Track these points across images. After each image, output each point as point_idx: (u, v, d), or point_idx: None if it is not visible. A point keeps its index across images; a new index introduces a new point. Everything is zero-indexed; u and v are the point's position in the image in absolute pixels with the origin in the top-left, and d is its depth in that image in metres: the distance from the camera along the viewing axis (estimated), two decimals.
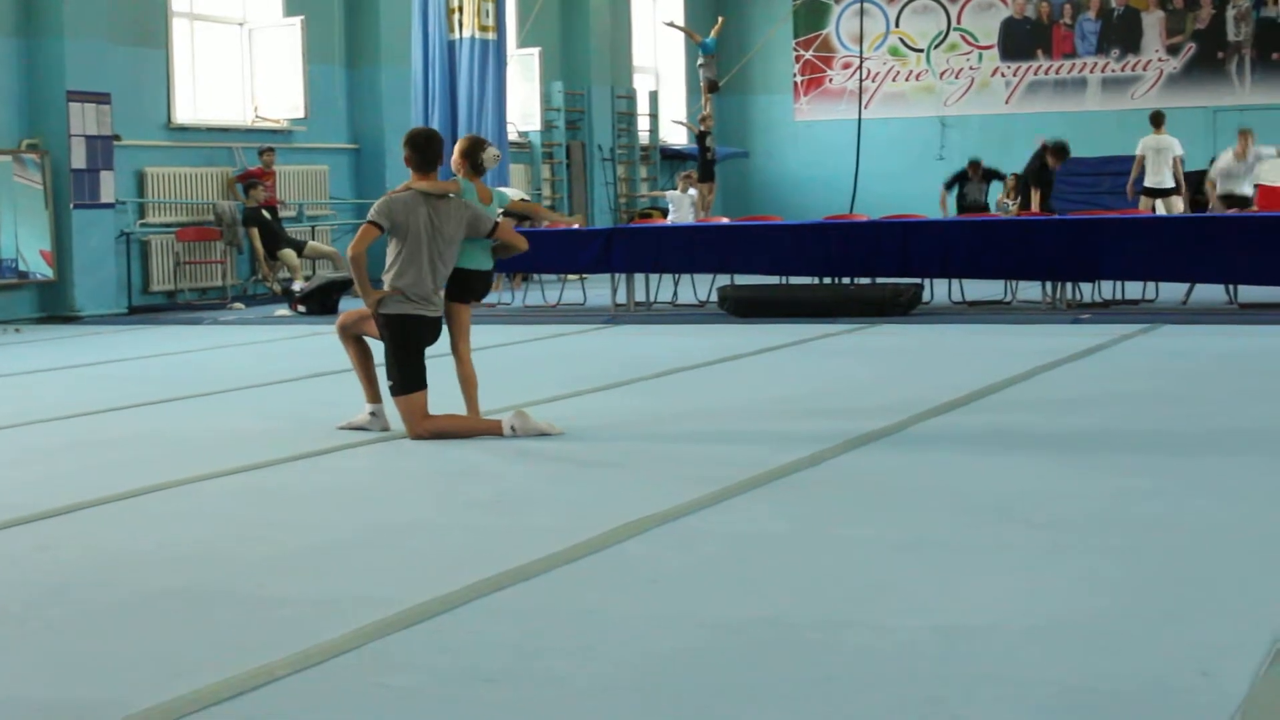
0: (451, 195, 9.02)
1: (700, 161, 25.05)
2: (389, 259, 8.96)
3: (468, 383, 9.29)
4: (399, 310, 8.88)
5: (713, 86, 27.17)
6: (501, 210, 9.68)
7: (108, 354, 13.59)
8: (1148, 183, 21.05)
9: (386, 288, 8.93)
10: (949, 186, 22.66)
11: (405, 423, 8.90)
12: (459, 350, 9.33)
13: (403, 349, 8.90)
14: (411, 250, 8.87)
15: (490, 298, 19.53)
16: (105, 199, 18.65)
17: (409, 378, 8.88)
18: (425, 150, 9.02)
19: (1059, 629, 4.79)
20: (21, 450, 8.94)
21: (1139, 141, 21.25)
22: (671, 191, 23.73)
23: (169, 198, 19.98)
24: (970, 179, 22.51)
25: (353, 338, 9.34)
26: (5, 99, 18.02)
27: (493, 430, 8.83)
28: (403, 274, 8.89)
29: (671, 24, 29.95)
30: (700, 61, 27.68)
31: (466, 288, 9.35)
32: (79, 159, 18.30)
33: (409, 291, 8.87)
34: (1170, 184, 20.74)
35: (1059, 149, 20.97)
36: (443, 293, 9.07)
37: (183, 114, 20.58)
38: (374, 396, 9.28)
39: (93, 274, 18.43)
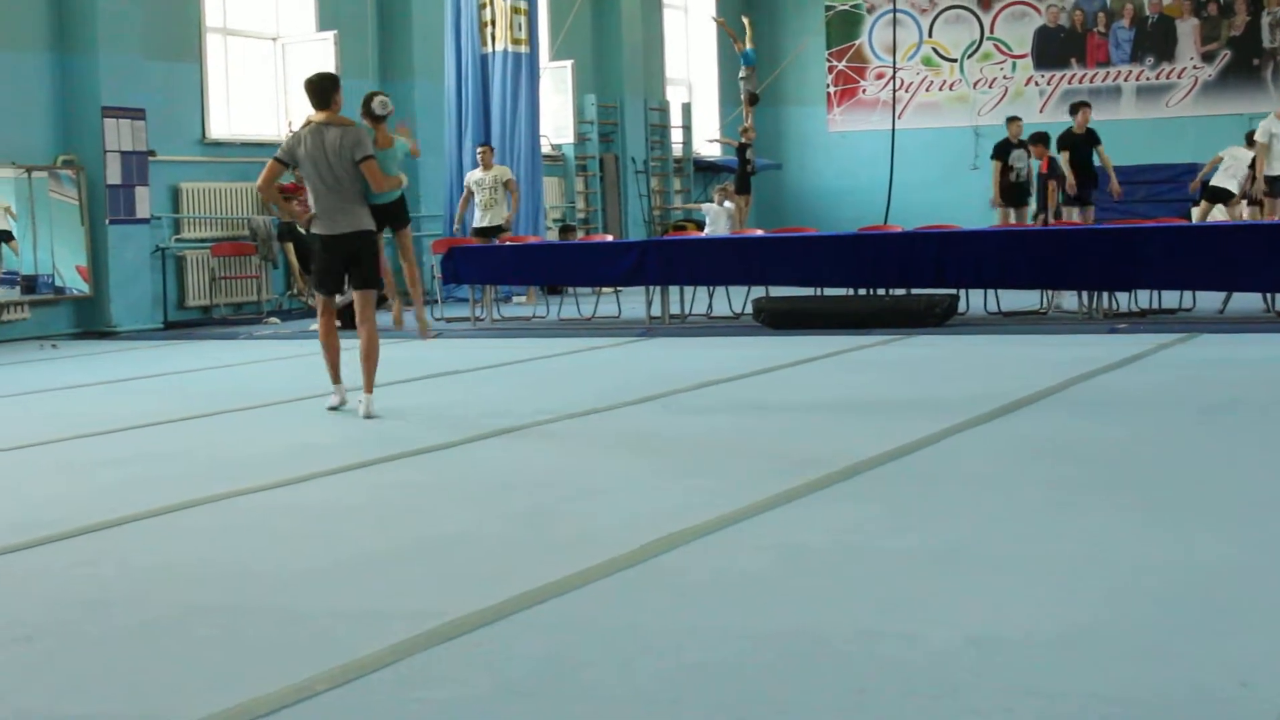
0: (341, 125, 10.32)
1: (739, 174, 25.03)
2: None
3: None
4: (315, 230, 10.47)
5: (753, 99, 27.17)
6: (403, 154, 11.56)
7: (144, 369, 13.64)
8: (1216, 181, 21.00)
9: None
10: (995, 157, 21.46)
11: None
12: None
13: (316, 259, 10.62)
14: (307, 174, 10.38)
15: (525, 310, 19.62)
16: (141, 214, 18.74)
17: (322, 283, 10.65)
18: (314, 91, 10.47)
19: (1095, 639, 4.77)
20: (58, 466, 8.98)
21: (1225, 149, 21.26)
22: (708, 204, 23.76)
23: (204, 213, 20.06)
24: (1012, 144, 21.36)
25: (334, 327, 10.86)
26: (41, 115, 18.12)
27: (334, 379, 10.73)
28: (310, 197, 10.45)
29: (718, 20, 29.91)
30: (742, 74, 27.68)
31: (382, 217, 11.04)
32: (114, 175, 18.39)
33: (315, 211, 10.37)
34: (1235, 189, 20.76)
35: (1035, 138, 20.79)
36: (356, 212, 10.39)
37: (217, 129, 20.67)
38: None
39: (128, 289, 18.51)
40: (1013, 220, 20.81)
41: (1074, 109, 20.88)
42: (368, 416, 10.29)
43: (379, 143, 10.50)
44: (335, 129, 10.35)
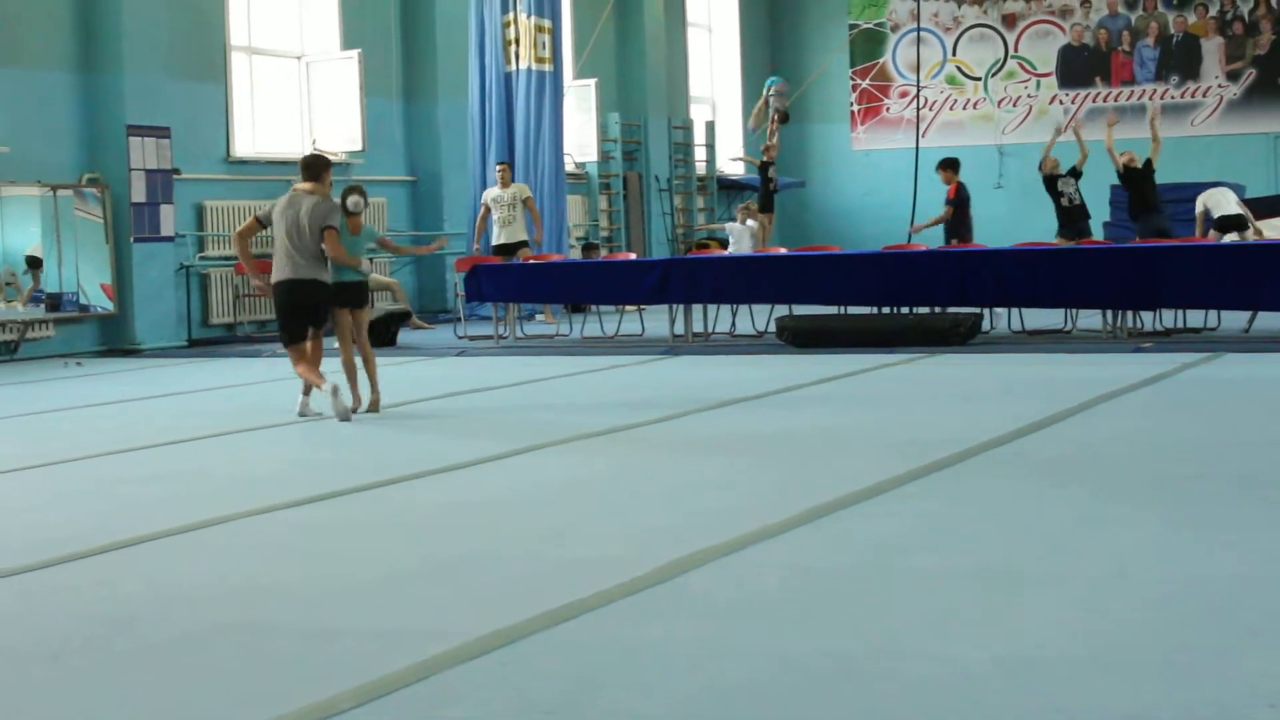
0: (319, 196, 11.63)
1: (761, 192, 24.99)
2: None
3: (347, 367, 11.94)
4: (276, 279, 11.60)
5: (784, 118, 27.10)
6: (372, 243, 12.71)
7: (168, 386, 13.67)
8: (1222, 213, 20.99)
9: None
10: (1048, 191, 21.33)
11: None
12: (344, 344, 11.98)
13: (280, 311, 11.72)
14: (277, 232, 11.56)
15: (548, 328, 19.63)
16: (165, 232, 18.79)
17: (287, 332, 11.64)
18: (307, 167, 11.90)
19: (1122, 659, 4.75)
20: (82, 483, 8.99)
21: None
22: (731, 223, 23.73)
23: (228, 231, 20.08)
24: (1058, 174, 21.20)
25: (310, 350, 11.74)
26: (66, 134, 18.17)
27: (318, 383, 11.39)
28: (275, 256, 11.67)
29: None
30: (774, 89, 27.50)
31: (343, 296, 11.90)
32: (139, 193, 18.44)
33: (276, 264, 11.60)
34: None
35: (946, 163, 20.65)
36: (315, 266, 11.51)
37: (241, 147, 20.72)
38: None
39: (153, 307, 18.55)
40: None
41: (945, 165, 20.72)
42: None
43: (349, 229, 12.01)
44: (313, 198, 11.62)
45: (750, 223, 23.22)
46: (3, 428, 11.85)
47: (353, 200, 12.11)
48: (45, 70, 17.95)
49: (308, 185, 11.72)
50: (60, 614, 5.82)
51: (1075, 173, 20.05)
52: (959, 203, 19.96)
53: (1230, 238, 20.64)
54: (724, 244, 25.23)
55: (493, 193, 21.15)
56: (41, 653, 5.26)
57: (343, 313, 11.99)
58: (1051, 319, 17.02)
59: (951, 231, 19.87)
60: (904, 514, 7.25)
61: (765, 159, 25.20)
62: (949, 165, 20.23)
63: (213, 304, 19.81)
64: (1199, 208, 21.27)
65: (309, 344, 11.69)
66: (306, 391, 11.72)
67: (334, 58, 21.97)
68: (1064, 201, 20.39)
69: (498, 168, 21.45)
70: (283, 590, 6.09)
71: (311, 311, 11.68)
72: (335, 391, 11.28)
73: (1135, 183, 20.16)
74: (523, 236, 21.04)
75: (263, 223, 11.76)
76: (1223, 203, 21.04)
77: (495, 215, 20.97)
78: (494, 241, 20.96)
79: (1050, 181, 20.13)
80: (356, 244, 12.13)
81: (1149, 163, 20.12)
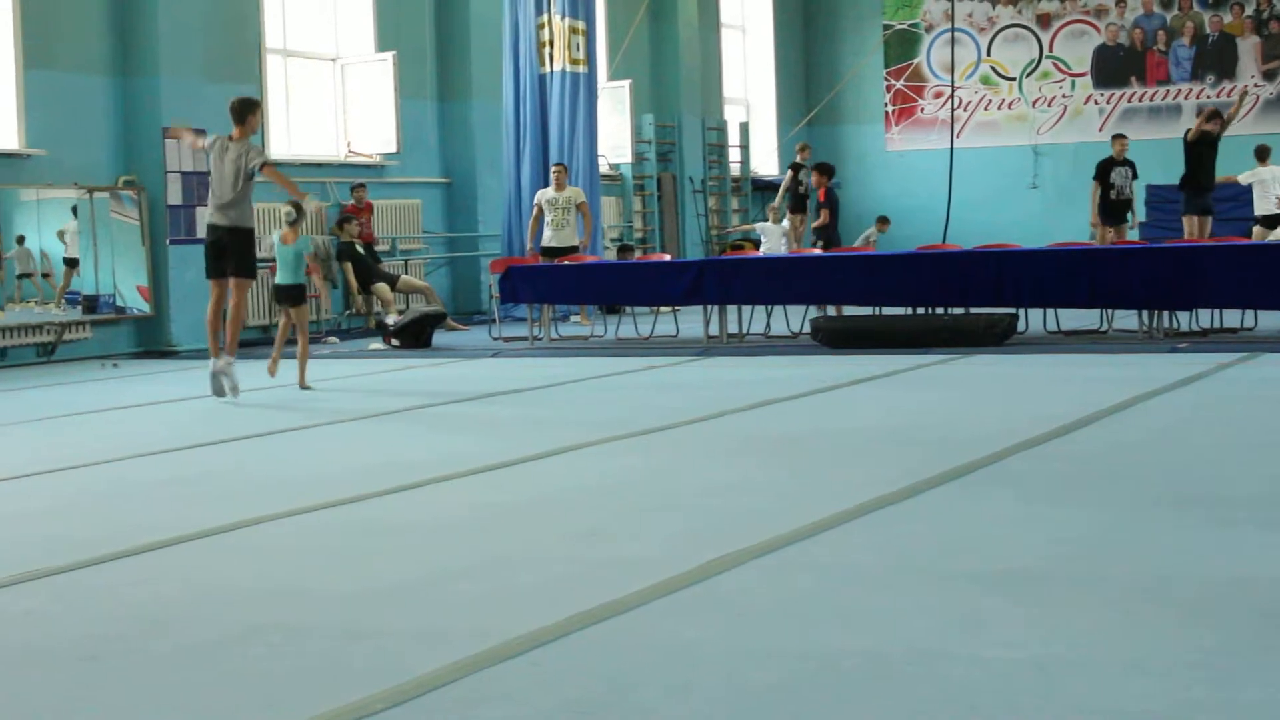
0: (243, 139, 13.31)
1: (791, 194, 24.96)
2: None
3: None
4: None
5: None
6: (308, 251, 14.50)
7: (203, 388, 13.68)
8: (1258, 211, 20.98)
9: None
10: (1097, 177, 21.32)
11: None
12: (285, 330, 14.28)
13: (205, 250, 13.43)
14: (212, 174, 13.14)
15: (582, 330, 19.63)
16: (201, 235, 18.77)
17: (208, 269, 13.33)
18: (234, 112, 13.51)
19: (1160, 662, 4.73)
20: (119, 484, 9.03)
21: (1243, 174, 21.20)
22: (763, 223, 23.73)
23: (263, 233, 20.14)
24: (1116, 162, 21.16)
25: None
26: (102, 136, 18.26)
27: (214, 352, 13.00)
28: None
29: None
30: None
31: (284, 295, 14.10)
32: (175, 195, 18.52)
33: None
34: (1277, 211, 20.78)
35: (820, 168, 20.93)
36: (233, 209, 13.23)
37: (277, 149, 20.79)
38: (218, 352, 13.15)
39: (189, 309, 18.61)
40: (1111, 238, 20.71)
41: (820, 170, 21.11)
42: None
43: (284, 239, 14.02)
44: (241, 142, 13.30)
45: (785, 223, 23.22)
46: (39, 429, 11.91)
47: (286, 212, 14.06)
48: (81, 73, 18.03)
49: (235, 132, 13.34)
50: (97, 615, 5.84)
51: (1131, 165, 20.28)
52: (830, 205, 20.33)
53: (1275, 236, 20.63)
54: (757, 244, 25.22)
55: (547, 194, 21.04)
56: (79, 653, 5.28)
57: (284, 310, 14.11)
58: (1087, 319, 16.97)
59: (821, 235, 20.27)
60: (939, 514, 7.23)
61: (798, 160, 25.12)
62: (822, 170, 20.63)
63: (248, 306, 19.84)
64: (1246, 180, 21.36)
65: (280, 330, 13.89)
66: (215, 353, 13.13)
67: (369, 60, 22.02)
68: (1113, 194, 20.46)
69: (554, 169, 21.31)
70: (319, 591, 6.10)
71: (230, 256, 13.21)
72: (217, 373, 12.94)
73: (1198, 154, 20.28)
74: (574, 241, 20.96)
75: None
76: (1270, 185, 21.07)
77: (549, 217, 20.87)
78: (545, 243, 20.87)
79: (1192, 146, 20.43)
80: (287, 252, 14.00)
81: (1216, 140, 20.33)
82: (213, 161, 13.28)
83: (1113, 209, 20.80)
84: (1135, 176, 21.05)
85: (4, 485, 9.06)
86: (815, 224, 20.57)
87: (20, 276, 17.70)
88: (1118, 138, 21.75)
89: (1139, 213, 25.63)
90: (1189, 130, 20.91)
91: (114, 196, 18.25)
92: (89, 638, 5.49)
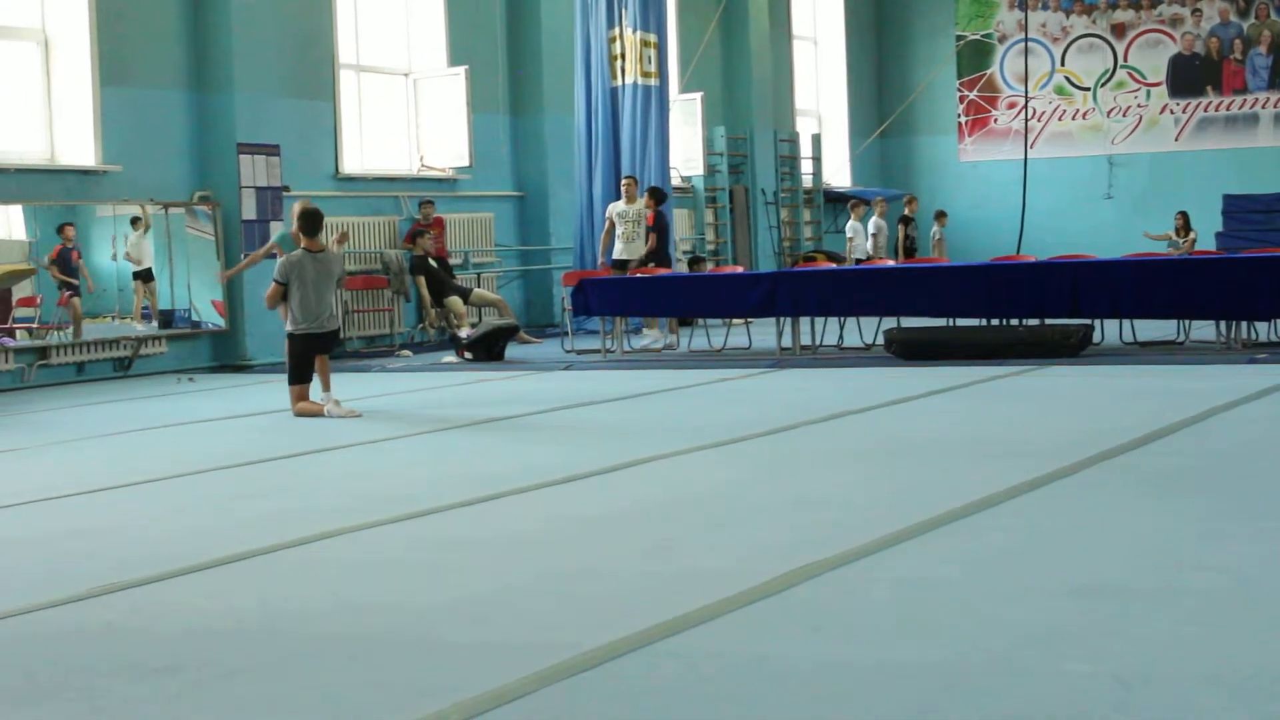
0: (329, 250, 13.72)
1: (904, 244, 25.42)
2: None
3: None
4: (295, 330, 13.39)
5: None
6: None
7: (278, 402, 13.76)
8: None
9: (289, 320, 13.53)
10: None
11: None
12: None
13: (294, 356, 13.37)
14: (301, 289, 13.29)
15: (656, 342, 19.61)
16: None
17: (295, 373, 13.29)
18: (312, 222, 13.69)
19: (1239, 678, 4.67)
20: (194, 498, 9.07)
21: None
22: (851, 222, 23.87)
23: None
24: None
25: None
26: (178, 152, 18.38)
27: (318, 412, 12.95)
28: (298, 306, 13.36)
29: None
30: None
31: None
32: (249, 210, 18.61)
33: (300, 316, 13.34)
34: None
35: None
36: (333, 316, 13.61)
37: (350, 164, 20.88)
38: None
39: (263, 323, 18.69)
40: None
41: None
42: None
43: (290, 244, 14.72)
44: (327, 254, 13.58)
45: (873, 220, 23.32)
46: (116, 443, 11.99)
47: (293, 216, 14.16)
48: (157, 89, 18.17)
49: (309, 244, 13.55)
50: (175, 627, 5.87)
51: None
52: (659, 229, 20.34)
53: None
54: (831, 257, 25.23)
55: (618, 207, 20.94)
56: (157, 664, 5.30)
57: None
58: (1164, 330, 16.83)
59: (652, 257, 20.21)
60: (1016, 526, 7.18)
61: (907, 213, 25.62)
62: (653, 194, 20.58)
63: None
64: None
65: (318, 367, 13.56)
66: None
67: (441, 74, 22.10)
68: None
69: (624, 181, 21.22)
70: (393, 604, 6.11)
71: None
72: (332, 415, 12.86)
73: None
74: (643, 253, 20.92)
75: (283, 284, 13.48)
76: None
77: (619, 230, 20.79)
78: (616, 255, 20.79)
79: None
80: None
81: None
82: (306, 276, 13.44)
83: None
84: None
85: (81, 500, 9.12)
86: (646, 249, 20.49)
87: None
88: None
89: (1216, 222, 25.49)
90: None
91: (189, 212, 18.37)
92: (166, 650, 5.51)
